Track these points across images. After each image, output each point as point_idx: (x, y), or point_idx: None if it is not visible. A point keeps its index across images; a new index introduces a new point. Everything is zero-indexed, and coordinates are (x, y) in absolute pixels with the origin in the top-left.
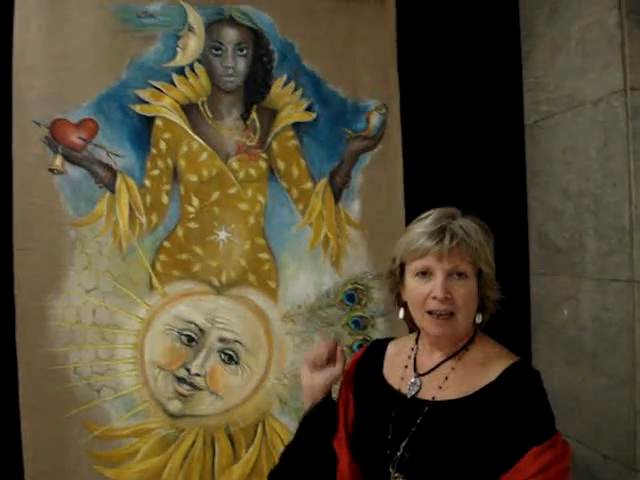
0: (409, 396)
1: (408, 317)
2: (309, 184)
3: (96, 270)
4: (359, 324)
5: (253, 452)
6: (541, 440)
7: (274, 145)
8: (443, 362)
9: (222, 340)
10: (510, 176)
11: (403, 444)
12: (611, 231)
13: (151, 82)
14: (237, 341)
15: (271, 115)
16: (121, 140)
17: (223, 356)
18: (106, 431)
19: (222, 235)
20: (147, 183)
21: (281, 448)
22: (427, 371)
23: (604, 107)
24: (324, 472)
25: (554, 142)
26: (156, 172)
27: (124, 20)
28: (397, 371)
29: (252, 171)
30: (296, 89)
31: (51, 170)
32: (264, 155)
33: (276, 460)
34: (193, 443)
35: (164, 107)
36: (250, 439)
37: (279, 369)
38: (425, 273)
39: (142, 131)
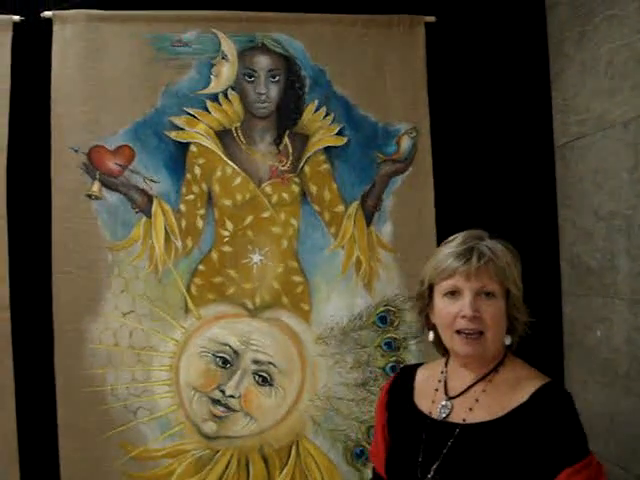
0: (440, 419)
1: (437, 340)
2: (341, 207)
3: (133, 293)
4: (391, 346)
5: (287, 473)
6: (574, 461)
7: (306, 169)
8: (474, 385)
9: (256, 362)
10: (541, 197)
11: (434, 467)
12: None
13: (186, 109)
14: (271, 363)
15: (303, 140)
16: (157, 166)
17: (257, 378)
18: (142, 452)
19: (256, 258)
20: (182, 208)
21: (315, 469)
22: (458, 394)
23: (634, 128)
24: None
25: (584, 163)
26: (191, 197)
27: (159, 49)
28: (428, 395)
29: (285, 195)
30: (327, 114)
31: (89, 196)
32: (296, 179)
33: None
34: (228, 464)
35: (198, 133)
36: (284, 461)
37: (312, 390)
38: (454, 293)
39: (177, 157)
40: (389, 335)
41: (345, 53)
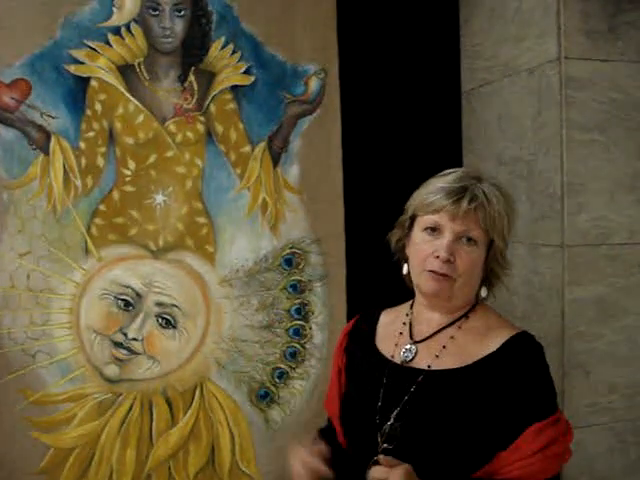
0: (402, 364)
1: (410, 275)
2: (247, 148)
3: (30, 234)
4: (297, 288)
5: (191, 416)
6: (543, 417)
7: (212, 108)
8: (442, 329)
9: (159, 304)
10: (446, 143)
11: (394, 413)
12: (543, 197)
13: (86, 42)
14: (174, 305)
15: (209, 78)
16: (55, 101)
17: (160, 320)
18: (42, 397)
19: (159, 199)
20: (82, 145)
21: (219, 411)
22: (424, 338)
23: (539, 75)
24: None
25: (490, 109)
26: (91, 134)
27: None
28: (391, 339)
29: (189, 134)
30: (235, 52)
31: None
32: (202, 118)
33: (215, 425)
34: (131, 408)
35: (99, 68)
36: (188, 403)
37: (217, 333)
38: (434, 230)
39: (77, 92)
40: (294, 278)
41: None
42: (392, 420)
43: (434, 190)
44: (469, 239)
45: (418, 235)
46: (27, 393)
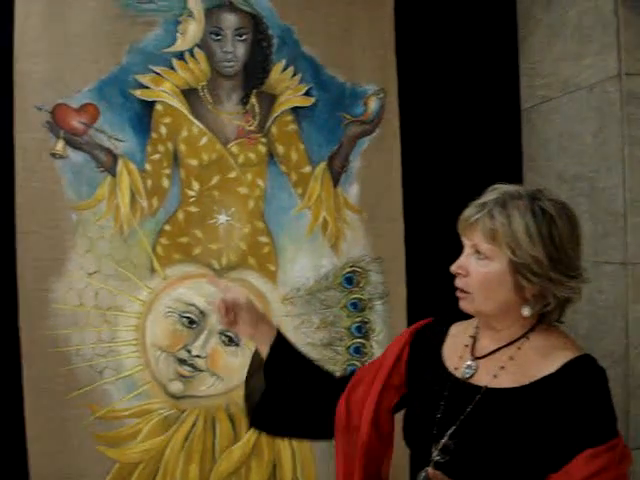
0: (463, 379)
1: None
2: (308, 168)
3: (98, 253)
4: (357, 306)
5: (253, 433)
6: (598, 442)
7: (273, 129)
8: (501, 348)
9: None
10: (506, 160)
11: (450, 431)
12: (605, 215)
13: (151, 67)
14: None
15: (270, 100)
16: (122, 125)
17: (223, 338)
18: (108, 412)
19: (222, 219)
20: (148, 167)
21: None
22: (484, 355)
23: (599, 92)
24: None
25: (550, 127)
26: (157, 156)
27: (124, 5)
28: (456, 352)
29: (251, 155)
30: (295, 74)
31: (53, 155)
32: (263, 139)
33: (277, 442)
34: (194, 424)
35: (164, 92)
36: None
37: None
38: (464, 246)
39: (143, 116)
40: (355, 296)
41: (313, 12)
42: (447, 437)
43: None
44: (480, 252)
45: None
46: (94, 408)
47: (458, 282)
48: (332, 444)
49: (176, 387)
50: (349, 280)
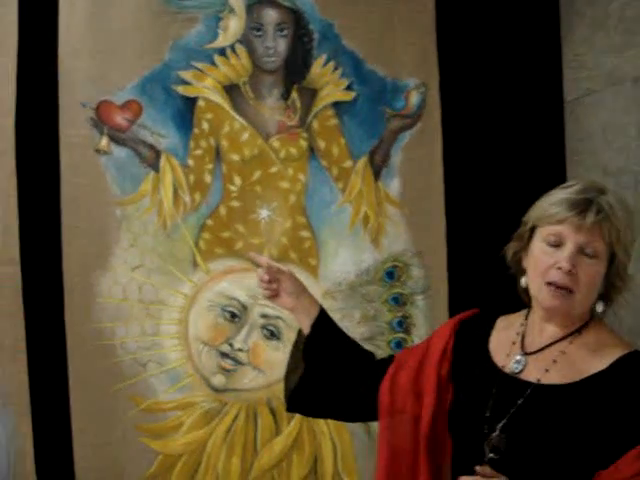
0: (512, 374)
1: (526, 288)
2: (349, 163)
3: (141, 248)
4: (398, 301)
5: (294, 426)
6: None
7: (314, 124)
8: (553, 343)
9: (264, 316)
10: (549, 153)
11: (500, 425)
12: None
13: (193, 63)
14: (279, 317)
15: (311, 94)
16: (165, 121)
17: (265, 332)
18: (152, 404)
19: (264, 213)
20: (190, 163)
21: (321, 422)
22: (535, 350)
23: None
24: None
25: (594, 119)
26: (199, 152)
27: (166, 2)
28: (503, 347)
29: (293, 150)
30: (336, 68)
31: (97, 151)
32: (304, 134)
33: (318, 435)
34: (236, 417)
35: (206, 88)
36: (292, 414)
37: None
38: (556, 242)
39: (185, 112)
40: (396, 290)
41: (354, 6)
42: (498, 431)
43: (557, 201)
44: (591, 252)
45: (538, 247)
46: (138, 401)
47: (563, 279)
48: (372, 437)
49: (218, 380)
50: (390, 275)
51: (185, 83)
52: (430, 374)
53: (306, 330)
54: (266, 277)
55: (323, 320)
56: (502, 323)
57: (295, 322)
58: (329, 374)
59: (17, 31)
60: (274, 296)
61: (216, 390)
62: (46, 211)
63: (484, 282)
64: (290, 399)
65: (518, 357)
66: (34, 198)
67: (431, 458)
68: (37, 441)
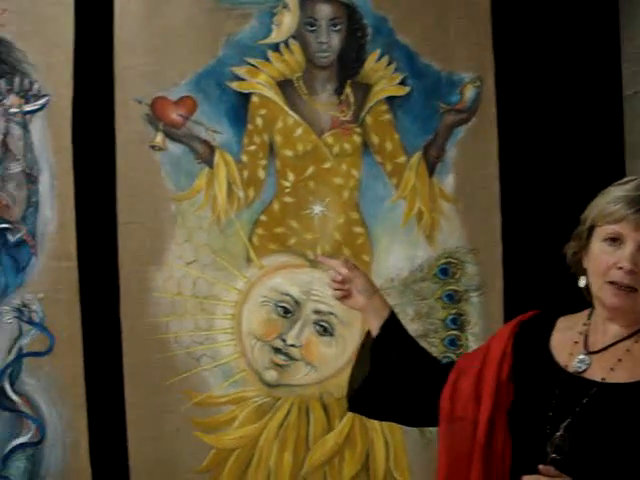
0: (576, 374)
1: (587, 288)
2: (403, 158)
3: (196, 243)
4: (452, 298)
5: (347, 422)
6: None
7: (368, 119)
8: (618, 342)
9: (317, 312)
10: (608, 148)
11: (565, 424)
12: None
13: (247, 59)
14: (332, 313)
15: (365, 90)
16: (219, 117)
17: (318, 328)
18: (205, 399)
19: (317, 209)
20: (244, 158)
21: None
22: (599, 349)
23: None
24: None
25: None
26: (253, 148)
27: None
28: (565, 346)
29: (346, 145)
30: (390, 63)
31: (152, 147)
32: (358, 129)
33: (370, 432)
34: (288, 412)
35: (260, 84)
36: (344, 410)
37: None
38: (615, 240)
39: (239, 107)
40: (450, 287)
41: (408, 0)
42: (562, 430)
43: (614, 199)
44: None
45: (597, 246)
46: (191, 395)
47: (624, 278)
48: (425, 434)
49: (271, 375)
50: (444, 271)
51: (239, 79)
52: (489, 377)
53: (375, 331)
54: (339, 277)
55: (393, 322)
56: (563, 323)
57: (348, 318)
58: (394, 377)
59: (73, 29)
60: (345, 297)
61: (269, 385)
62: (102, 207)
63: (540, 279)
64: (353, 399)
65: (582, 356)
66: (91, 194)
67: (486, 463)
68: (92, 434)
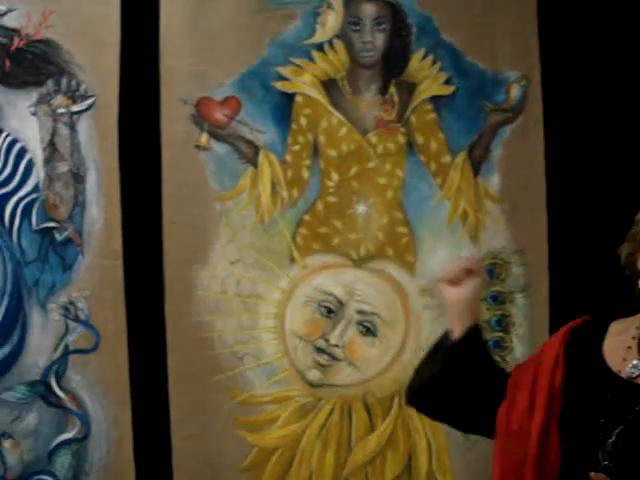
0: (629, 379)
1: None
2: (448, 158)
3: (239, 243)
4: (497, 299)
5: (389, 423)
6: None
7: (412, 119)
8: None
9: (360, 312)
10: None
11: (617, 430)
12: None
13: (291, 59)
14: (375, 313)
15: (409, 89)
16: (263, 116)
17: (361, 328)
18: (248, 397)
19: (361, 209)
20: (288, 158)
21: (416, 419)
22: None
23: None
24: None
25: None
26: (297, 147)
27: None
28: (618, 351)
29: (390, 145)
30: (435, 62)
31: (197, 147)
32: (402, 129)
33: (412, 433)
34: (331, 412)
35: (304, 83)
36: (386, 410)
37: (416, 342)
38: None
39: (283, 107)
40: (495, 288)
41: None
42: (614, 437)
43: None
44: None
45: None
46: (235, 393)
47: None
48: (468, 437)
49: (314, 375)
50: (489, 272)
51: (283, 79)
52: (542, 388)
53: (457, 333)
54: (473, 264)
55: (477, 332)
56: (616, 328)
57: (392, 319)
58: (463, 383)
59: (120, 30)
60: (457, 283)
61: (311, 385)
62: (148, 206)
63: (586, 280)
64: (415, 394)
65: (635, 362)
66: (136, 193)
67: (538, 474)
68: (136, 431)
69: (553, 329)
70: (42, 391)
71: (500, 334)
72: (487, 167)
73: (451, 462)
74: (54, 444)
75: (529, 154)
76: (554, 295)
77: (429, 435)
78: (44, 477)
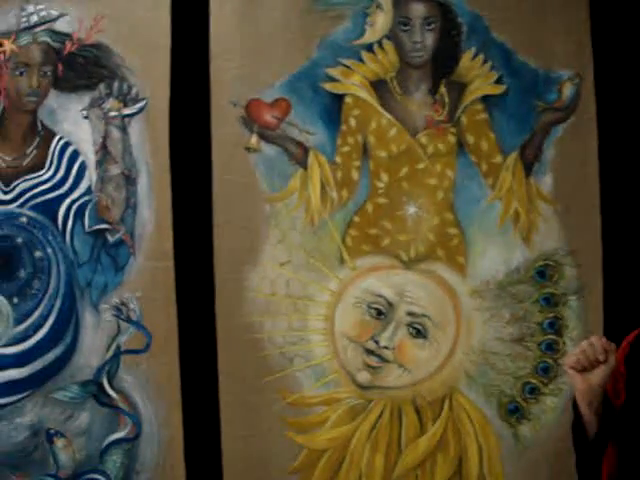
0: None
1: None
2: (499, 158)
3: (289, 244)
4: (550, 301)
5: (439, 426)
6: None
7: (463, 119)
8: None
9: (410, 314)
10: None
11: None
12: None
13: (341, 60)
14: (425, 315)
15: (460, 89)
16: (313, 118)
17: (411, 330)
18: (298, 399)
19: (411, 210)
20: (338, 159)
21: (467, 423)
22: None
23: None
24: None
25: None
26: (346, 148)
27: (314, 0)
28: None
29: (441, 146)
30: (485, 61)
31: (247, 149)
32: (453, 129)
33: (463, 437)
34: (380, 414)
35: (354, 84)
36: (437, 413)
37: (467, 345)
38: None
39: (333, 108)
40: (548, 290)
41: None
42: None
43: None
44: None
45: None
46: (284, 394)
47: None
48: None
49: (363, 377)
50: (542, 274)
51: (333, 80)
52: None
53: (591, 425)
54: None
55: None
56: None
57: (442, 321)
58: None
59: (170, 33)
60: (585, 369)
61: (361, 387)
62: (198, 207)
63: None
64: None
65: None
66: (187, 195)
67: None
68: (187, 431)
69: (607, 332)
70: (94, 391)
71: (553, 337)
72: (539, 167)
73: (503, 466)
74: (106, 443)
75: (582, 153)
76: (608, 297)
77: (480, 439)
78: (95, 476)
